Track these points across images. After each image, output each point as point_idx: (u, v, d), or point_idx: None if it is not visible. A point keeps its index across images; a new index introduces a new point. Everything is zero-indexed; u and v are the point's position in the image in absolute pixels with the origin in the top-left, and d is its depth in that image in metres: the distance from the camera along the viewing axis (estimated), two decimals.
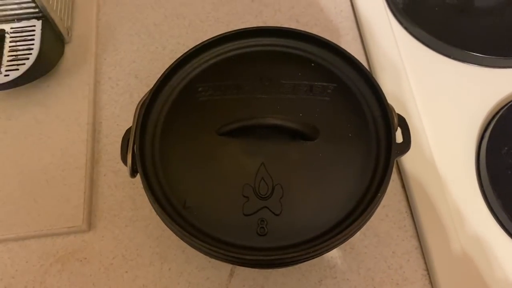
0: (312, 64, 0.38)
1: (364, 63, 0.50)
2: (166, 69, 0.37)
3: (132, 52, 0.53)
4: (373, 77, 0.36)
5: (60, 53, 0.50)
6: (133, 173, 0.34)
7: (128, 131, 0.36)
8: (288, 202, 0.32)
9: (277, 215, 0.32)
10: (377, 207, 0.32)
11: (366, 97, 0.36)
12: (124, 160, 0.34)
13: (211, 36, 0.39)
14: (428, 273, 0.40)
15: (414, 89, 0.47)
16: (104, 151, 0.47)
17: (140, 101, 0.36)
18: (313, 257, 0.32)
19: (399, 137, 0.35)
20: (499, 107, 0.46)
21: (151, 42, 0.53)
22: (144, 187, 0.33)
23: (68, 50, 0.52)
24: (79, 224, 0.42)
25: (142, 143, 0.34)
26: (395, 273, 0.40)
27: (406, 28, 0.51)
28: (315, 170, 0.33)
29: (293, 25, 0.54)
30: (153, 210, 0.43)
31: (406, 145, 0.35)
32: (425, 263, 0.40)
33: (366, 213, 0.31)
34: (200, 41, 0.52)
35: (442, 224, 0.40)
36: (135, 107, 0.36)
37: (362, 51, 0.52)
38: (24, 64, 0.45)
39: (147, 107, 0.35)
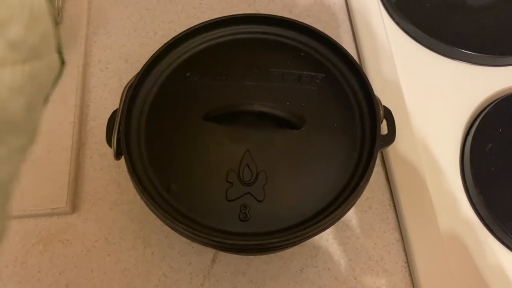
0: (302, 54, 0.38)
1: (355, 56, 0.50)
2: (155, 53, 0.37)
3: (123, 36, 0.52)
4: (361, 69, 0.36)
5: None
6: (117, 156, 0.34)
7: (114, 113, 0.35)
8: (271, 189, 0.32)
9: (260, 201, 0.32)
10: (359, 196, 0.32)
11: (353, 88, 0.36)
12: (109, 142, 0.34)
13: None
14: (408, 265, 0.40)
15: (402, 83, 0.47)
16: (91, 134, 0.46)
17: (128, 83, 0.36)
18: (293, 244, 0.32)
19: (384, 129, 0.35)
20: (486, 105, 0.46)
21: (142, 27, 0.53)
22: (128, 170, 0.33)
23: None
24: (62, 206, 0.42)
25: (127, 125, 0.34)
26: (375, 264, 0.40)
27: (397, 23, 0.52)
28: (299, 159, 0.33)
29: (285, 15, 0.52)
30: (137, 194, 0.44)
31: (390, 137, 0.35)
32: (406, 255, 0.41)
33: (348, 202, 0.31)
34: None
35: (424, 218, 0.41)
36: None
37: (353, 44, 0.52)
38: None
39: (134, 90, 0.35)
